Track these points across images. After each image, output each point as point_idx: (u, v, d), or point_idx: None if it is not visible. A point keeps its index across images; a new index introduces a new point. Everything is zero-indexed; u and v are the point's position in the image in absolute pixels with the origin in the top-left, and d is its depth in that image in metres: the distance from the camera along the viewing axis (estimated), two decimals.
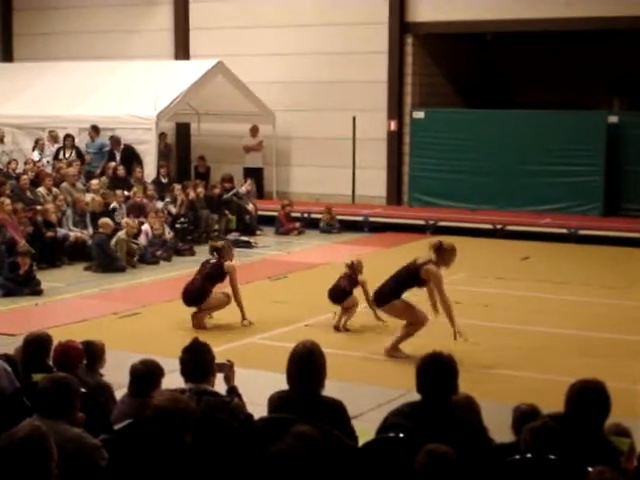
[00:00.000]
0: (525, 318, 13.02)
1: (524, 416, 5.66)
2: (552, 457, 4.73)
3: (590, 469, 4.53)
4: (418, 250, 18.23)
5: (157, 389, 6.07)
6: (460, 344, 10.29)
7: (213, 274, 12.57)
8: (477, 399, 5.92)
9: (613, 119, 22.17)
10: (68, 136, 21.81)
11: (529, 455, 4.79)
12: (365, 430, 5.80)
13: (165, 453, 4.55)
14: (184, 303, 12.48)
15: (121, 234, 17.07)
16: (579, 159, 21.97)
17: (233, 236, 19.96)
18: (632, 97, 23.19)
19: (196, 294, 12.43)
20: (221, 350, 9.33)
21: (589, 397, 4.89)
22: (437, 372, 5.21)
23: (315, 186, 24.15)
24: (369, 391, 9.37)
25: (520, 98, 24.32)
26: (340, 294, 12.54)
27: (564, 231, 20.33)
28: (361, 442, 5.49)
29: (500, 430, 5.71)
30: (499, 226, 20.90)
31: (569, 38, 23.52)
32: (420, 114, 23.51)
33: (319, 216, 22.00)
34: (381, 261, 17.67)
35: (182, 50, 25.62)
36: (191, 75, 22.64)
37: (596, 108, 22.94)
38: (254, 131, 24.19)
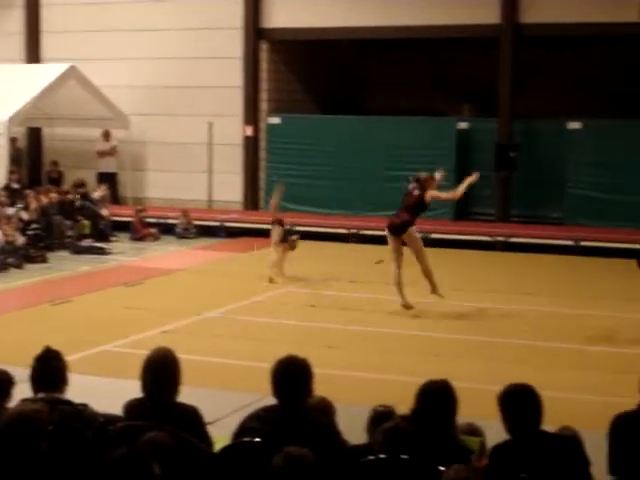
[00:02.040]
0: (380, 321, 13.21)
1: (379, 417, 5.74)
2: (405, 457, 4.83)
3: (442, 468, 4.64)
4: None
5: (7, 399, 5.93)
6: (314, 348, 10.37)
7: (416, 205, 13.64)
8: (333, 401, 5.99)
9: (463, 125, 22.76)
10: None
11: (382, 456, 4.87)
12: (222, 436, 5.80)
13: (21, 463, 4.48)
14: (392, 233, 13.67)
15: None
16: (430, 164, 22.38)
17: (87, 242, 19.65)
18: (481, 104, 23.82)
19: (401, 225, 13.66)
20: (75, 358, 9.18)
21: (435, 397, 5.00)
22: (292, 376, 5.25)
23: (171, 191, 23.98)
24: (225, 397, 9.35)
25: (375, 104, 24.71)
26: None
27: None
28: (218, 447, 5.48)
29: (356, 432, 5.78)
30: (353, 230, 21.16)
31: (422, 45, 23.99)
32: (276, 120, 23.63)
33: (175, 221, 21.84)
34: (236, 265, 17.71)
35: (33, 54, 25.09)
36: (43, 79, 22.20)
37: (447, 114, 23.50)
38: (106, 135, 23.89)
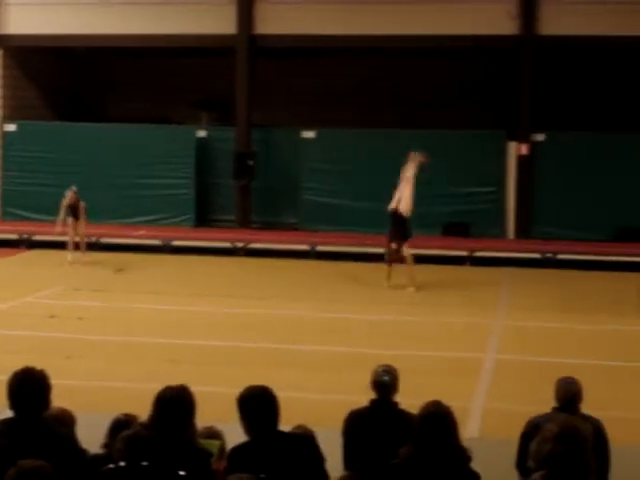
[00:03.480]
0: (126, 329, 13.13)
1: (119, 425, 5.75)
2: (144, 464, 4.87)
3: (182, 473, 4.73)
4: (13, 264, 17.74)
5: None
6: (53, 358, 10.21)
7: None
8: (74, 411, 5.95)
9: (202, 134, 22.95)
10: None
11: (122, 464, 4.90)
12: None
13: None
14: None
15: None
16: (170, 172, 22.52)
17: None
18: (220, 112, 24.09)
19: None
20: None
21: (172, 402, 5.03)
22: (29, 388, 5.17)
23: None
24: None
25: (116, 112, 24.48)
26: None
27: (158, 242, 20.71)
28: None
29: (99, 441, 5.78)
30: (94, 239, 20.84)
31: (161, 54, 23.99)
32: (12, 127, 22.97)
33: None
34: None
35: None
36: None
37: (186, 123, 23.61)
38: None
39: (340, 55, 23.07)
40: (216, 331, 13.10)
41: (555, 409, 6.16)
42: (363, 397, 6.49)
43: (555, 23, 21.43)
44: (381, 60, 22.95)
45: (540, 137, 21.87)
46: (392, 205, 16.79)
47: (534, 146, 21.78)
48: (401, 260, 16.66)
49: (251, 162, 22.19)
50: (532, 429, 5.99)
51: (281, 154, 22.85)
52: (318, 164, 22.34)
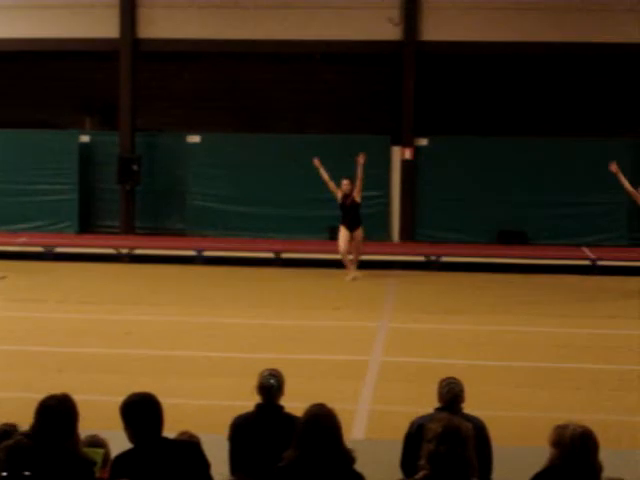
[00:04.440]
0: (4, 337, 12.88)
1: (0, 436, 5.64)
2: (27, 474, 4.80)
3: None
4: None
5: None
6: None
7: None
8: None
9: (85, 138, 22.63)
10: None
11: (4, 474, 4.81)
12: None
13: None
14: None
15: None
16: (53, 178, 22.15)
17: None
18: (104, 117, 23.79)
19: None
20: None
21: (54, 411, 4.97)
22: None
23: None
24: None
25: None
26: None
27: (40, 249, 20.36)
28: None
29: None
30: None
31: (45, 57, 23.56)
32: None
33: None
34: None
35: None
36: None
37: (69, 127, 23.25)
38: None
39: (226, 59, 23.03)
40: (99, 339, 12.92)
41: (438, 409, 6.27)
42: (249, 402, 6.50)
43: (436, 29, 21.81)
44: (267, 64, 22.99)
45: (423, 142, 22.21)
46: None
47: (417, 151, 22.11)
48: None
49: (135, 167, 21.96)
50: (415, 429, 6.08)
51: (166, 159, 22.68)
52: (204, 169, 22.26)
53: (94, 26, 21.91)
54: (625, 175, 17.81)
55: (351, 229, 18.24)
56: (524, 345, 12.96)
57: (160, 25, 22.02)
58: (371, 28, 21.82)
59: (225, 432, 6.45)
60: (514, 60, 22.57)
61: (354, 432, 8.71)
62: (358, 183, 18.24)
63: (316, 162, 18.37)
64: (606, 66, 22.38)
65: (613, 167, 16.81)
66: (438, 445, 4.38)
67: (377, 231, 21.42)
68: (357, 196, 18.27)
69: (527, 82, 22.72)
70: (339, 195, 18.32)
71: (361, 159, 18.17)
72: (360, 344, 12.75)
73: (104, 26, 21.92)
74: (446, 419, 4.59)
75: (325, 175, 18.33)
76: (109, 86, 22.46)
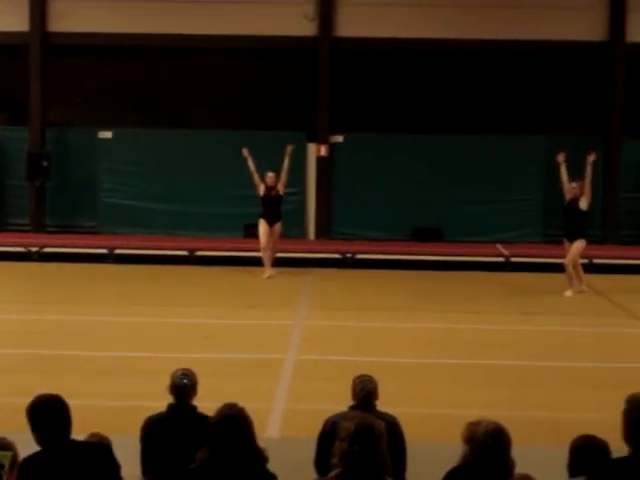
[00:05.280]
0: None
1: None
2: None
3: None
4: None
5: None
6: None
7: None
8: None
9: None
10: None
11: None
12: None
13: None
14: None
15: None
16: None
17: None
18: (12, 112, 23.31)
19: None
20: None
21: None
22: None
23: None
24: None
25: None
26: None
27: None
28: None
29: None
30: None
31: None
32: None
33: None
34: None
35: None
36: None
37: None
38: None
39: (139, 54, 22.75)
40: (4, 339, 12.65)
41: (352, 407, 6.22)
42: (161, 402, 6.39)
43: (352, 25, 21.86)
44: (182, 60, 22.77)
45: (339, 138, 22.24)
46: None
47: (333, 147, 22.13)
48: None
49: (45, 163, 21.57)
50: (330, 428, 6.04)
51: (77, 155, 22.32)
52: (116, 165, 21.97)
53: (3, 19, 21.49)
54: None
55: (271, 223, 18.08)
56: (438, 341, 13.02)
57: (71, 19, 21.67)
58: (287, 23, 21.77)
59: (137, 433, 6.33)
60: (429, 57, 22.71)
61: (268, 431, 8.63)
62: (284, 175, 18.16)
63: (245, 152, 18.19)
64: (522, 64, 22.66)
65: (560, 157, 16.77)
66: (351, 444, 4.33)
67: (293, 228, 21.37)
68: (281, 189, 18.17)
69: (443, 79, 22.89)
70: (262, 187, 18.15)
71: (289, 149, 18.12)
72: (275, 342, 12.68)
73: (13, 19, 21.51)
74: (359, 417, 4.54)
75: (252, 166, 18.14)
76: (19, 80, 22.02)
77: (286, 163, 18.13)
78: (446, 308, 15.37)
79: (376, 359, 11.19)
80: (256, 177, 18.19)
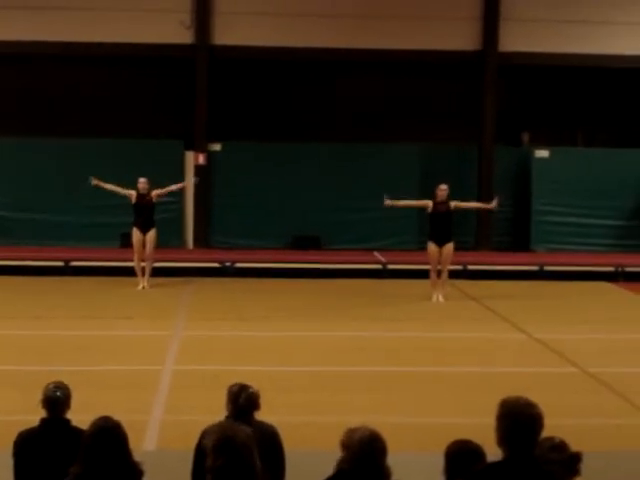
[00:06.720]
0: None
1: None
2: None
3: None
4: None
5: None
6: None
7: None
8: None
9: None
10: None
11: None
12: None
13: None
14: None
15: None
16: None
17: None
18: None
19: None
20: None
21: None
22: None
23: None
24: None
25: None
26: None
27: None
28: None
29: None
30: None
31: None
32: None
33: None
34: None
35: None
36: None
37: None
38: None
39: (11, 62, 22.25)
40: None
41: (228, 417, 6.17)
42: (34, 416, 6.24)
43: (228, 33, 21.81)
44: (56, 67, 22.36)
45: (217, 147, 22.15)
46: None
47: (211, 156, 22.03)
48: None
49: None
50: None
51: None
52: None
53: None
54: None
55: (144, 231, 17.81)
56: (317, 349, 13.07)
57: None
58: (164, 31, 21.60)
59: (9, 448, 6.17)
60: (306, 66, 22.83)
61: (146, 443, 8.53)
62: (165, 191, 18.03)
63: (93, 182, 17.97)
64: (397, 73, 22.99)
65: (387, 203, 17.26)
66: (215, 459, 4.23)
67: (171, 237, 21.18)
68: (155, 197, 17.92)
69: (320, 87, 23.03)
70: (134, 195, 17.87)
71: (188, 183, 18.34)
72: (153, 353, 12.54)
73: None
74: (219, 430, 4.42)
75: (109, 186, 17.94)
76: None
77: (175, 188, 18.22)
78: (326, 316, 15.45)
79: (255, 368, 11.17)
80: (120, 192, 17.94)
